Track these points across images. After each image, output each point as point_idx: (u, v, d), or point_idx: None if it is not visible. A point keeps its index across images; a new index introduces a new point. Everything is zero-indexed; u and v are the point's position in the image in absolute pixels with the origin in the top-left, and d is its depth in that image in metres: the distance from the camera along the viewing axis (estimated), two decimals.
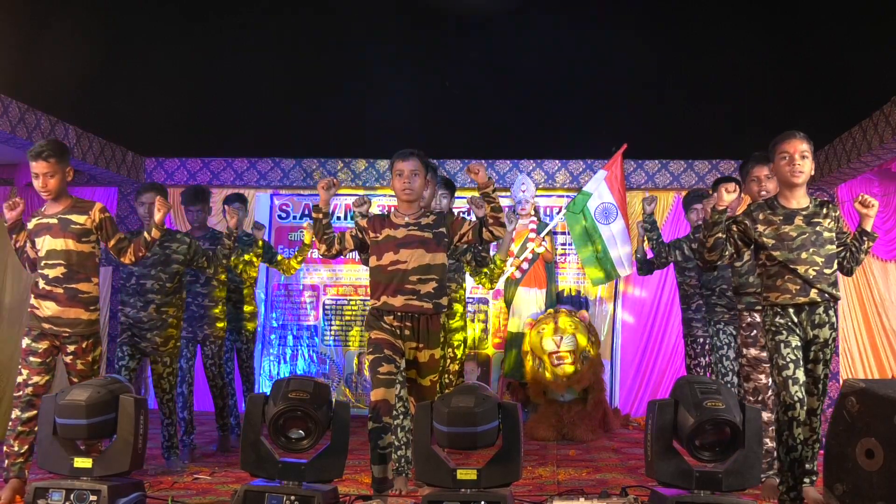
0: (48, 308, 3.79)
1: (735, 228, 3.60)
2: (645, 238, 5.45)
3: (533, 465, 4.74)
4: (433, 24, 6.21)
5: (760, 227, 3.54)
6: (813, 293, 3.45)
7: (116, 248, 3.96)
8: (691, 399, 3.16)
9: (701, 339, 5.26)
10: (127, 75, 6.26)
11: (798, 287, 3.45)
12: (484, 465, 3.19)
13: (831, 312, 3.50)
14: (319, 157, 7.70)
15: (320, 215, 3.69)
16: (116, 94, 6.33)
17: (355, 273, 7.65)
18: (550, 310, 6.32)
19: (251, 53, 6.34)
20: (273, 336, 7.68)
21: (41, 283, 3.82)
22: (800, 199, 3.57)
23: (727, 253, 3.59)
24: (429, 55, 6.48)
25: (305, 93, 6.73)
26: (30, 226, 3.90)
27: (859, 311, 7.32)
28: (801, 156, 3.50)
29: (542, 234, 6.74)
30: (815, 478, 3.54)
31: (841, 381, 5.89)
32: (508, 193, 7.25)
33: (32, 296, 3.86)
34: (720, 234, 3.56)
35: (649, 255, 5.48)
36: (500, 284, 7.00)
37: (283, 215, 7.81)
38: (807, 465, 3.52)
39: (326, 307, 7.68)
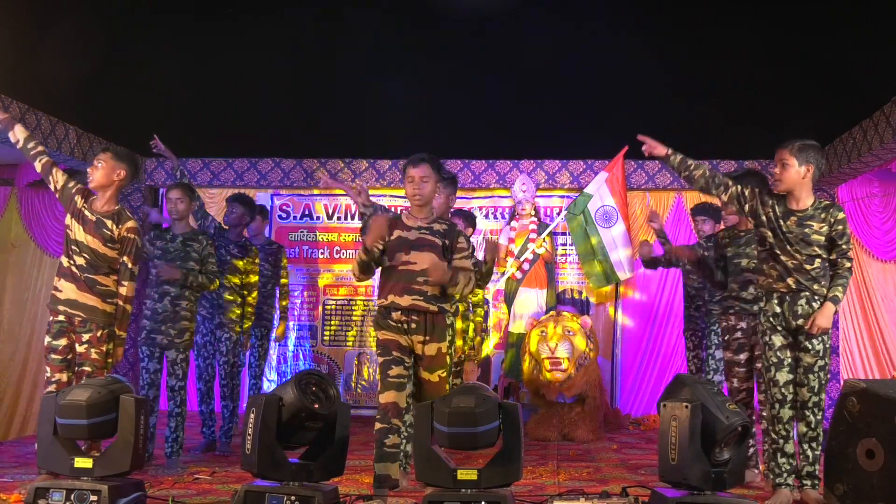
0: (67, 288, 3.97)
1: (750, 190, 3.70)
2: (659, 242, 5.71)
3: (533, 466, 4.74)
4: (433, 24, 6.21)
5: (767, 210, 3.67)
6: (790, 281, 3.59)
7: (119, 270, 4.08)
8: (714, 401, 3.18)
9: (700, 333, 5.57)
10: (127, 75, 6.26)
11: (777, 273, 3.63)
12: (484, 466, 3.19)
13: (815, 304, 3.59)
14: (320, 157, 7.69)
15: (367, 257, 3.64)
16: (116, 94, 6.33)
17: None
18: (553, 311, 6.31)
19: (251, 53, 6.34)
20: (273, 336, 7.65)
21: (66, 262, 4.00)
22: (799, 202, 3.66)
23: (730, 192, 3.73)
24: (429, 55, 6.48)
25: (306, 93, 6.73)
26: (77, 203, 4.03)
27: (859, 311, 7.31)
28: (780, 165, 3.64)
29: (542, 235, 6.73)
30: (817, 482, 3.56)
31: (841, 382, 5.90)
32: (508, 193, 7.23)
33: (56, 276, 4.03)
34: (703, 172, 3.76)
35: (657, 253, 5.54)
36: (501, 285, 6.99)
37: (284, 215, 7.80)
38: (808, 468, 3.55)
39: (326, 307, 7.68)
